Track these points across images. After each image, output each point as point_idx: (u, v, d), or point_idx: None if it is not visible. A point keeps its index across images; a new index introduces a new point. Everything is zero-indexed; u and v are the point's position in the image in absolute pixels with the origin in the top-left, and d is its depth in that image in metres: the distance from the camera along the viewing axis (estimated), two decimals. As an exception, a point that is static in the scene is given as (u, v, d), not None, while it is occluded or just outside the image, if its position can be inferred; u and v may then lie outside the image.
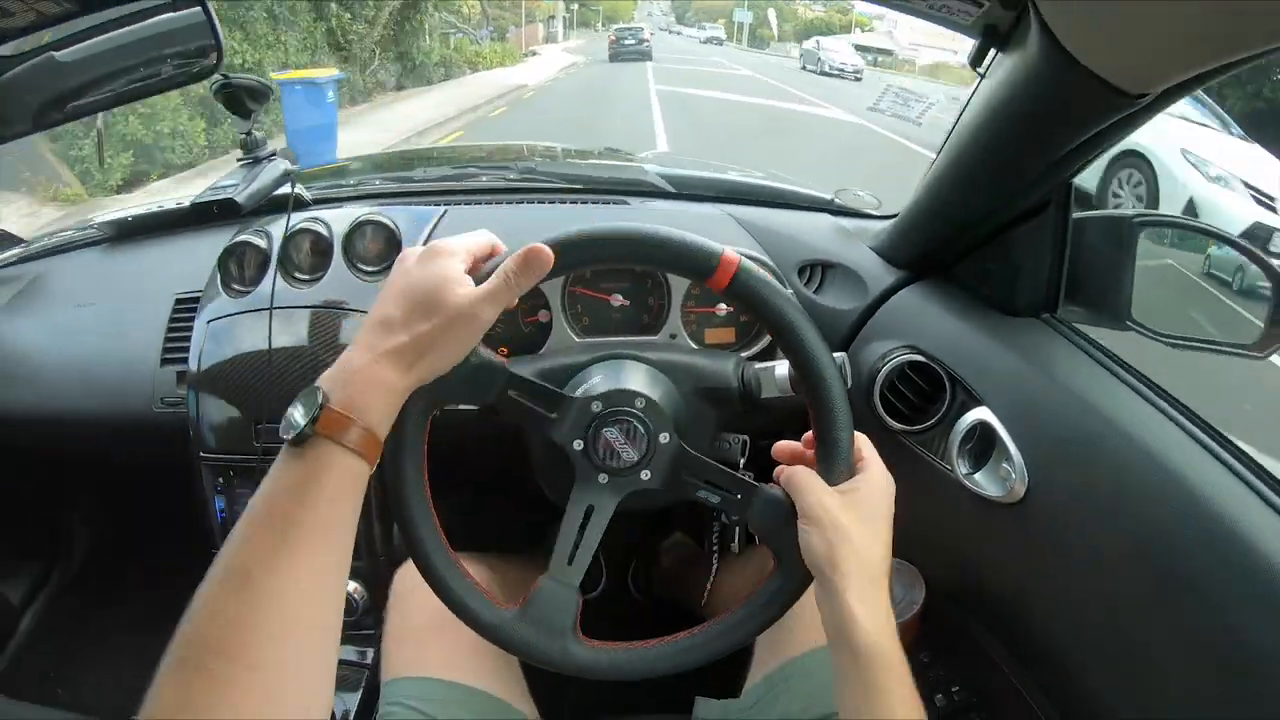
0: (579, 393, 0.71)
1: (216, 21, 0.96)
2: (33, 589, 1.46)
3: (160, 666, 0.47)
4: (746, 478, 0.66)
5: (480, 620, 0.64)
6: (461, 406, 0.63)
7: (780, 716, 0.80)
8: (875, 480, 0.63)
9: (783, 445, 0.68)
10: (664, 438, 0.67)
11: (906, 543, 1.02)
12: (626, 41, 18.34)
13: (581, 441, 0.66)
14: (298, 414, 0.53)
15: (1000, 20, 0.76)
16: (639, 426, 0.66)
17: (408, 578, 0.89)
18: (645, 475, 0.66)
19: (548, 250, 0.58)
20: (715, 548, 0.96)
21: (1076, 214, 0.92)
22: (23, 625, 1.43)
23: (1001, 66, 0.77)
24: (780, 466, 0.65)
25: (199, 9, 0.92)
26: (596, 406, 0.67)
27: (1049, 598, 0.83)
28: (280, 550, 0.50)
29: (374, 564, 1.06)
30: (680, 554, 1.29)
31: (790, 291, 0.96)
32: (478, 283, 0.57)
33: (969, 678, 0.99)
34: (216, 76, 0.99)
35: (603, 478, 0.66)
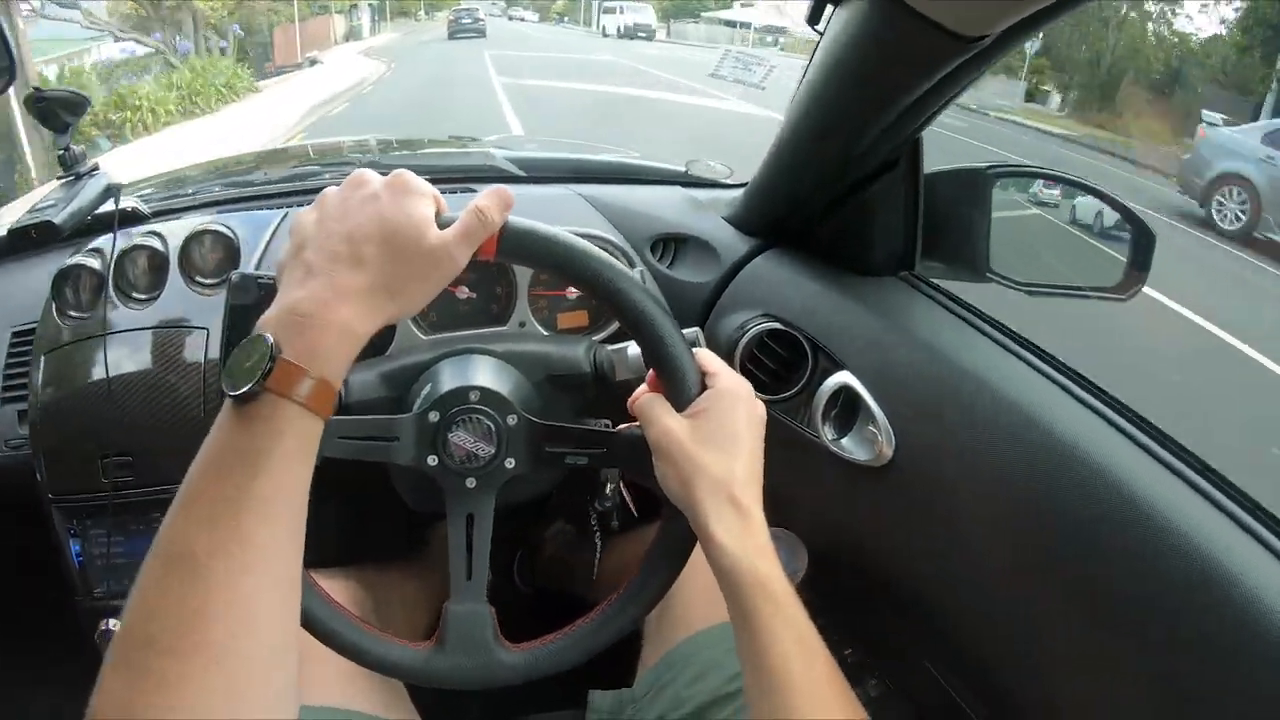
0: (416, 404, 0.69)
1: (8, 34, 0.91)
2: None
3: (101, 671, 0.41)
4: (604, 427, 0.65)
5: (400, 667, 0.62)
6: None
7: (673, 700, 0.77)
8: (724, 393, 0.59)
9: (638, 391, 0.64)
10: (512, 420, 0.65)
11: (785, 511, 1.01)
12: (464, 20, 19.84)
13: (434, 456, 0.64)
14: (242, 364, 0.47)
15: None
16: (482, 419, 0.64)
17: None
18: (510, 463, 0.64)
19: (507, 189, 0.56)
20: (596, 527, 0.93)
21: (930, 170, 0.90)
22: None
23: (838, 21, 0.75)
24: (630, 398, 0.63)
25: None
26: (434, 416, 0.64)
27: (924, 555, 0.81)
28: (229, 528, 0.44)
29: None
30: (564, 540, 1.26)
31: (641, 271, 0.93)
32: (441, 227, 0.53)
33: (861, 639, 0.97)
34: (29, 90, 0.94)
35: (470, 482, 0.64)
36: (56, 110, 0.95)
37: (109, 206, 0.97)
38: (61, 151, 0.97)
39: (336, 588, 0.86)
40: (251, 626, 0.44)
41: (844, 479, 0.84)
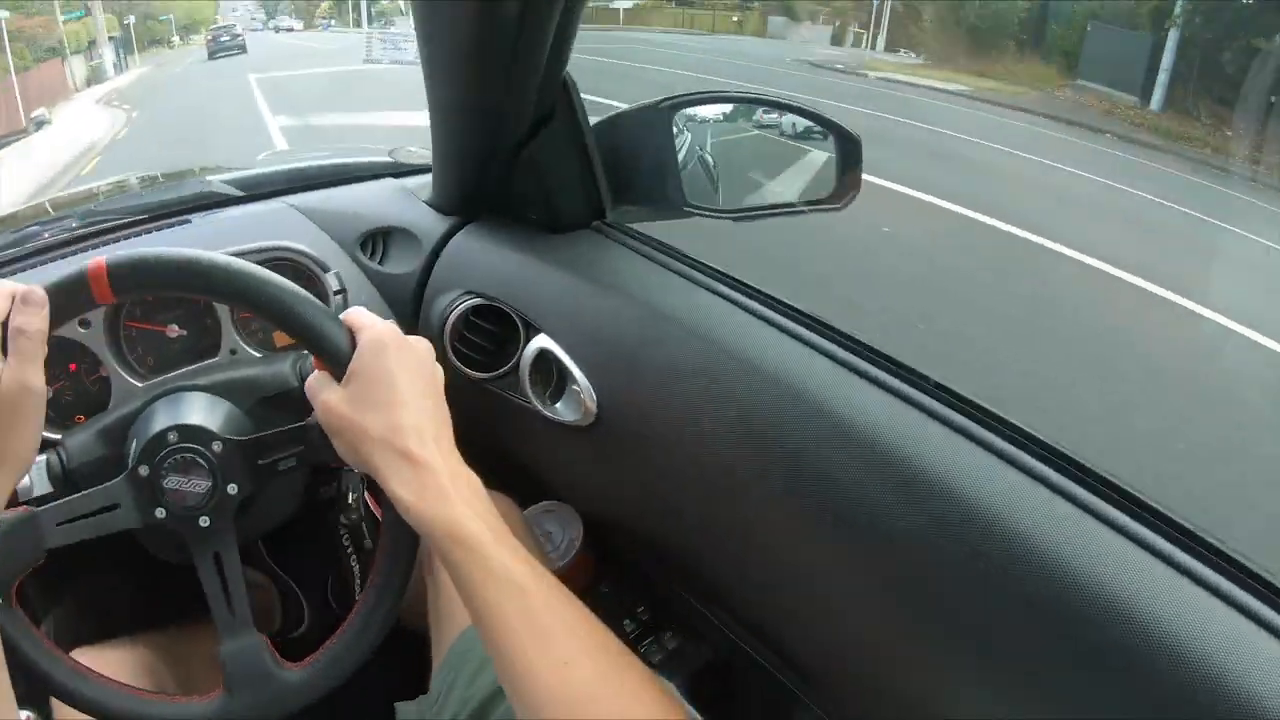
0: (129, 460, 0.67)
1: None
2: None
3: None
4: (295, 425, 0.63)
5: None
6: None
7: (460, 699, 0.75)
8: (368, 346, 0.56)
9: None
10: (216, 446, 0.63)
11: (545, 484, 1.00)
12: (223, 39, 19.08)
13: (161, 509, 0.62)
14: None
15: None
16: (187, 455, 0.62)
17: None
18: (232, 489, 0.62)
19: (35, 289, 0.53)
20: (349, 544, 0.92)
21: (609, 113, 0.88)
22: None
23: None
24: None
25: None
26: (143, 470, 0.62)
27: (654, 506, 0.80)
28: None
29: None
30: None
31: (336, 274, 0.90)
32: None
33: (647, 598, 0.97)
34: None
35: (204, 520, 0.62)
36: None
37: None
38: None
39: (129, 657, 0.83)
40: None
41: (566, 444, 0.83)
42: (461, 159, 0.87)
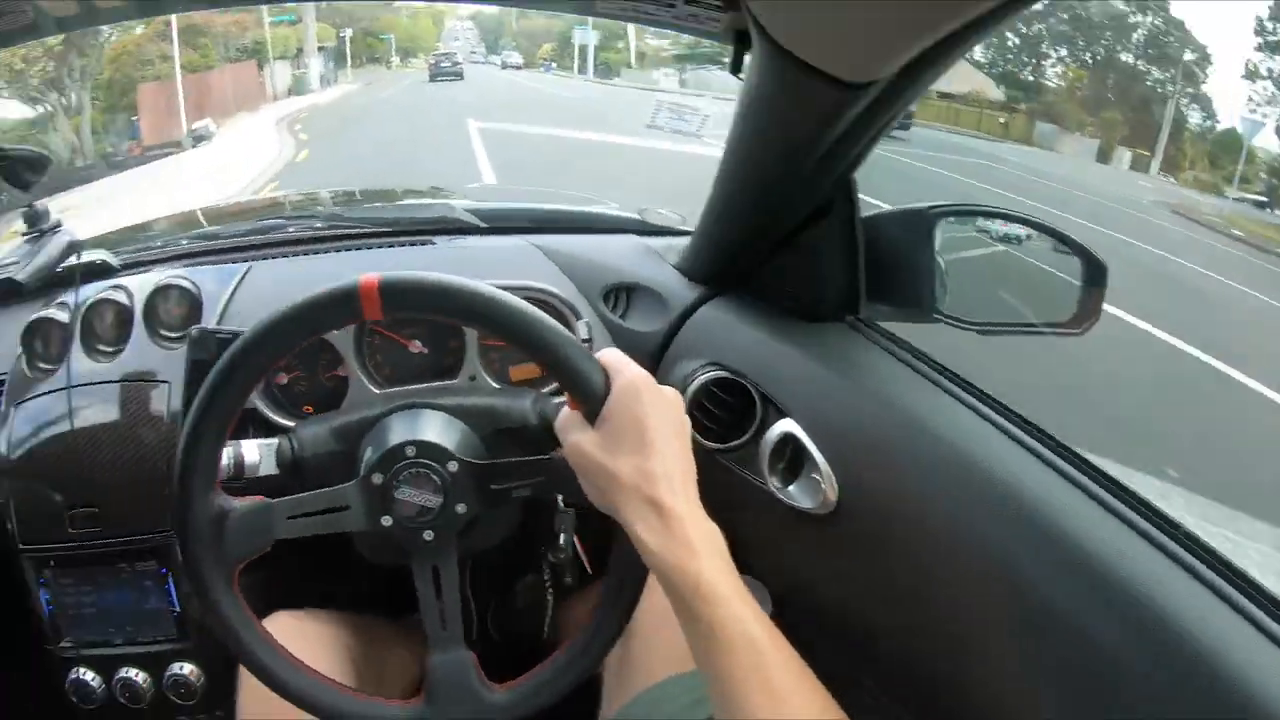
0: (361, 466, 0.70)
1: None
2: None
3: None
4: (539, 457, 0.65)
5: None
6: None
7: None
8: (624, 390, 0.57)
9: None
10: (452, 466, 0.65)
11: (744, 556, 1.00)
12: (444, 65, 19.96)
13: (388, 516, 0.65)
14: None
15: (745, 24, 0.74)
16: (424, 471, 0.65)
17: None
18: (460, 508, 0.65)
19: None
20: (549, 581, 0.94)
21: (871, 212, 0.90)
22: None
23: (750, 70, 0.75)
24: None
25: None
26: (377, 478, 0.65)
27: (875, 602, 0.81)
28: None
29: (204, 642, 1.01)
30: (536, 593, 1.25)
31: (586, 323, 0.93)
32: None
33: (829, 685, 0.97)
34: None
35: (428, 535, 0.65)
36: (19, 169, 0.97)
37: (71, 261, 0.99)
38: (25, 209, 1.00)
39: (331, 632, 0.87)
40: None
41: (794, 527, 0.84)
42: (729, 234, 0.90)
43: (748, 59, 0.77)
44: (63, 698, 1.05)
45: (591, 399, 0.58)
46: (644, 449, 0.56)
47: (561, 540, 0.94)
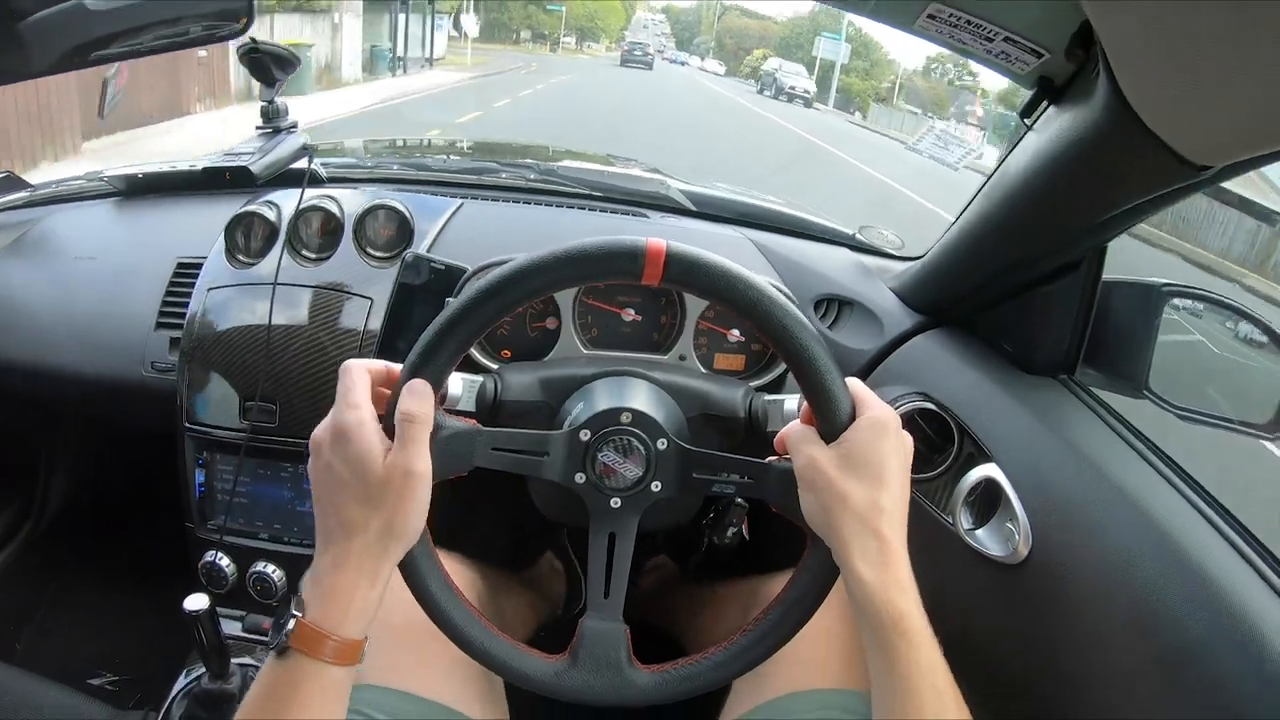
0: (568, 420, 0.71)
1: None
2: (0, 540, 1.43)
3: None
4: (755, 459, 0.65)
5: (532, 679, 0.64)
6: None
7: None
8: (873, 423, 0.59)
9: (789, 425, 0.64)
10: (662, 444, 0.66)
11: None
12: (635, 52, 19.65)
13: (583, 474, 0.65)
14: (279, 625, 0.55)
15: (1058, 73, 0.74)
16: (633, 441, 0.66)
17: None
18: (656, 486, 0.66)
19: (419, 381, 0.57)
20: (706, 549, 0.94)
21: (1105, 277, 0.90)
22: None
23: (1055, 120, 0.75)
24: (780, 432, 0.63)
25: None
26: (585, 435, 0.66)
27: (1046, 662, 0.81)
28: None
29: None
30: (662, 576, 1.27)
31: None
32: (387, 424, 0.57)
33: None
34: (245, 39, 0.97)
35: (615, 502, 0.66)
36: (268, 64, 1.00)
37: (301, 164, 1.01)
38: (266, 104, 1.02)
39: (456, 570, 0.88)
40: None
41: (974, 571, 0.84)
42: (966, 271, 0.90)
43: (1044, 107, 0.77)
44: (193, 577, 1.08)
45: (835, 423, 0.59)
46: (879, 481, 0.58)
47: (730, 533, 0.95)
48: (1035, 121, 0.78)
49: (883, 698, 0.56)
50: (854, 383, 0.62)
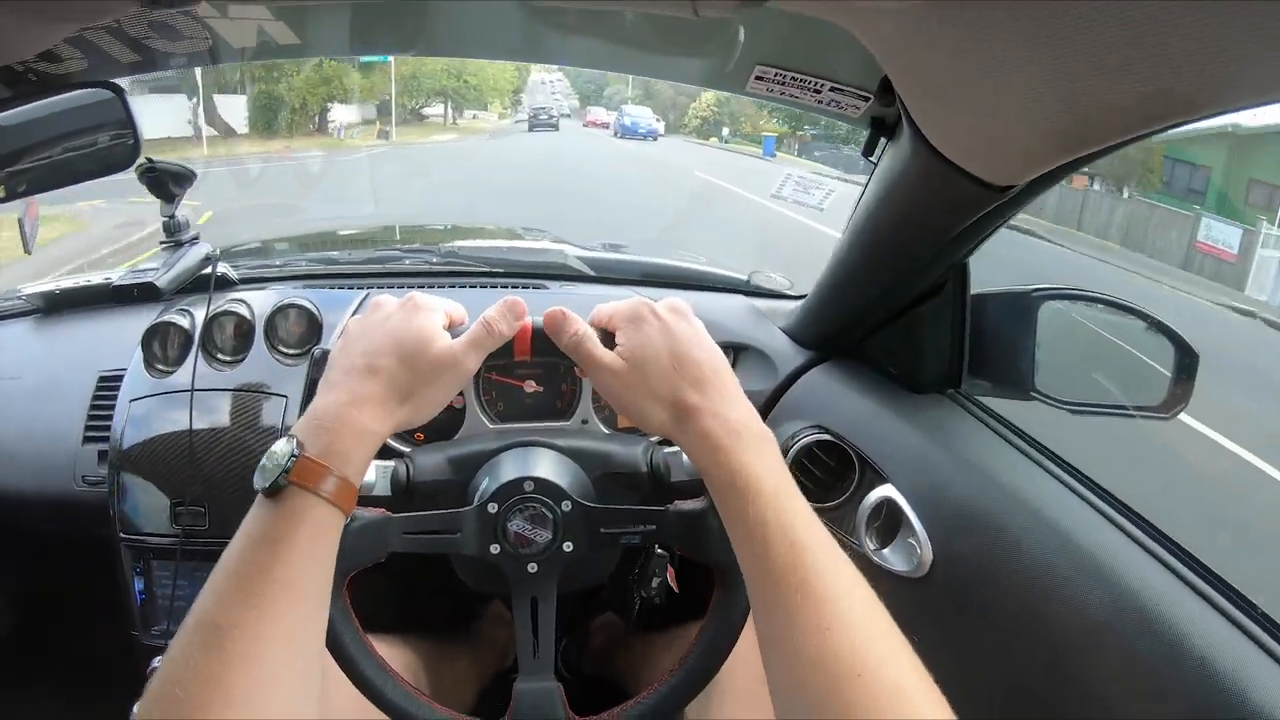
0: (476, 495, 0.73)
1: (133, 109, 0.98)
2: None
3: None
4: (654, 508, 0.68)
5: None
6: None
7: None
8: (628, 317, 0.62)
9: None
10: (566, 506, 0.68)
11: None
12: (540, 117, 19.84)
13: (497, 545, 0.68)
14: (271, 462, 0.51)
15: (887, 114, 0.79)
16: (539, 507, 0.68)
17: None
18: (568, 547, 0.68)
19: (520, 301, 0.61)
20: (633, 617, 0.95)
21: (976, 291, 0.94)
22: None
23: (888, 156, 0.80)
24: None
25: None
26: (493, 508, 0.68)
27: (957, 668, 0.83)
28: (252, 605, 0.48)
29: None
30: (610, 633, 1.28)
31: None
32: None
33: None
34: (141, 160, 1.01)
35: (532, 567, 0.68)
36: (166, 181, 1.03)
37: (207, 271, 1.04)
38: (167, 219, 1.05)
39: (391, 653, 0.90)
40: (268, 693, 0.46)
41: (885, 589, 0.86)
42: (844, 304, 0.94)
43: (882, 143, 0.81)
44: (142, 684, 1.09)
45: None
46: (668, 368, 0.60)
47: (655, 583, 0.96)
48: (877, 158, 0.82)
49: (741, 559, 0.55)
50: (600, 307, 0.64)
